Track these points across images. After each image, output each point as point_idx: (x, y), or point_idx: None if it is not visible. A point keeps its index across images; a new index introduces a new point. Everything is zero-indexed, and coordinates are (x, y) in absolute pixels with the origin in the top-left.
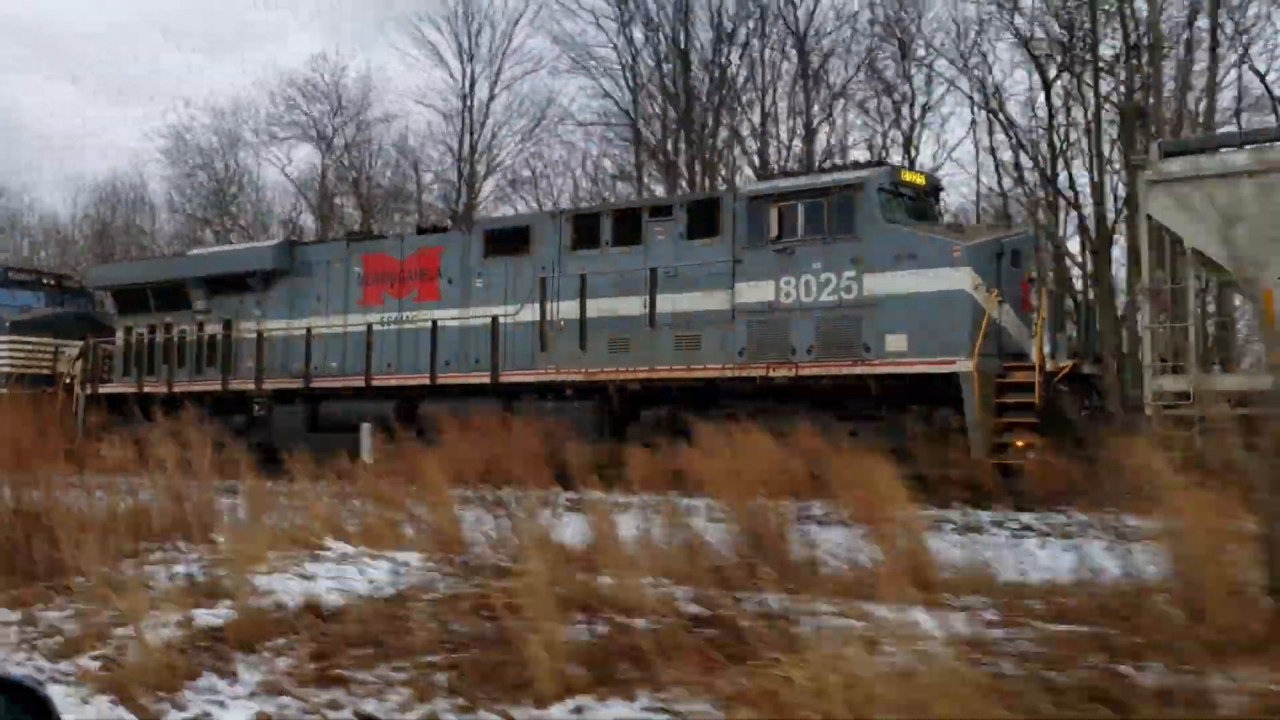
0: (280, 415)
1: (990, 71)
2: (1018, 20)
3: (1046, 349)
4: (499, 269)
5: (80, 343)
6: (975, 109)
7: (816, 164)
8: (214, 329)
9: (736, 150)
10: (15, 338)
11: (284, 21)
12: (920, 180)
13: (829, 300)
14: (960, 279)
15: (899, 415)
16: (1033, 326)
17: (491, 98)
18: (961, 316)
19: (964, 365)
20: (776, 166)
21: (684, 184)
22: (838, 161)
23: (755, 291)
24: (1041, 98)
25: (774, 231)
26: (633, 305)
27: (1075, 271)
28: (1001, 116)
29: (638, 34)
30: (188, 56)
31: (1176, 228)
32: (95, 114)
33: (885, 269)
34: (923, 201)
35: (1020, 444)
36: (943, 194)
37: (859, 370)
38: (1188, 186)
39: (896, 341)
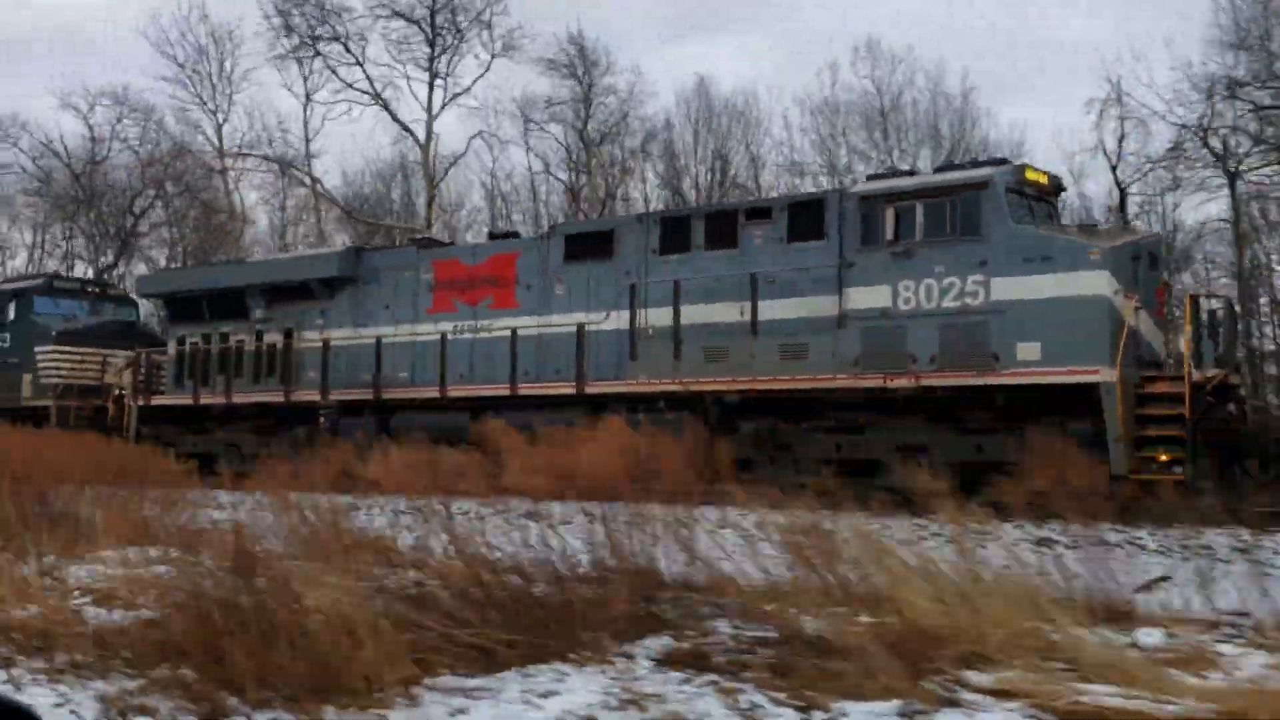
0: (348, 428)
1: None
2: None
3: (1193, 357)
4: (580, 275)
5: (127, 352)
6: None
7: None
8: (274, 338)
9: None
10: (62, 348)
11: None
12: (1043, 179)
13: (952, 305)
14: (1099, 283)
15: (1028, 428)
16: (1167, 333)
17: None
18: (1100, 323)
19: (1106, 375)
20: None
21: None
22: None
23: (869, 296)
24: None
25: (890, 233)
26: (729, 311)
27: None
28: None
29: None
30: None
31: None
32: None
33: (1014, 272)
34: (1046, 201)
35: (1164, 458)
36: (1064, 194)
37: (991, 381)
38: None
39: (1028, 350)
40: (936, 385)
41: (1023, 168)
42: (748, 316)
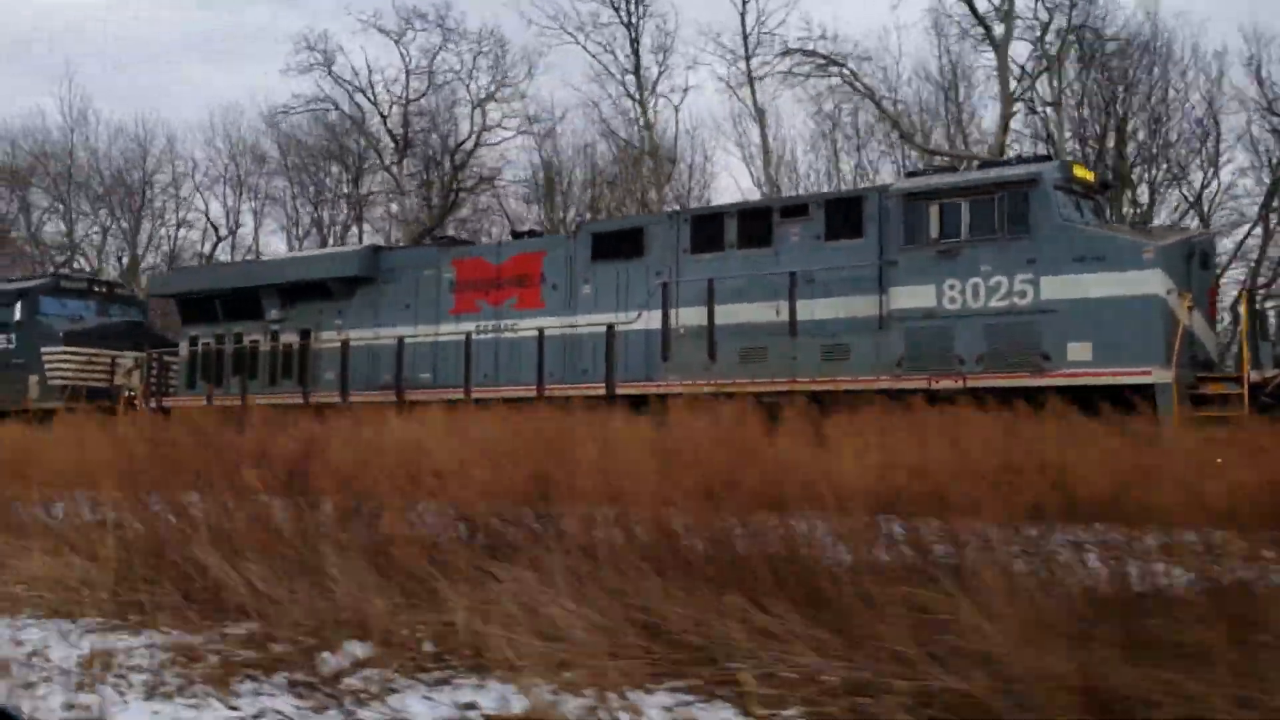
0: None
1: None
2: None
3: (1249, 357)
4: (609, 274)
5: (136, 353)
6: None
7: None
8: (290, 339)
9: None
10: (70, 348)
11: None
12: (1090, 176)
13: (1000, 305)
14: (1153, 282)
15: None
16: (1218, 333)
17: None
18: (1155, 323)
19: (1162, 376)
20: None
21: None
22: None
23: (912, 296)
24: None
25: (935, 231)
26: (764, 311)
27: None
28: None
29: None
30: None
31: None
32: None
33: (1065, 271)
34: (1092, 199)
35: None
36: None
37: (1042, 382)
38: None
39: (1080, 350)
40: (985, 386)
41: (1070, 164)
42: (784, 316)
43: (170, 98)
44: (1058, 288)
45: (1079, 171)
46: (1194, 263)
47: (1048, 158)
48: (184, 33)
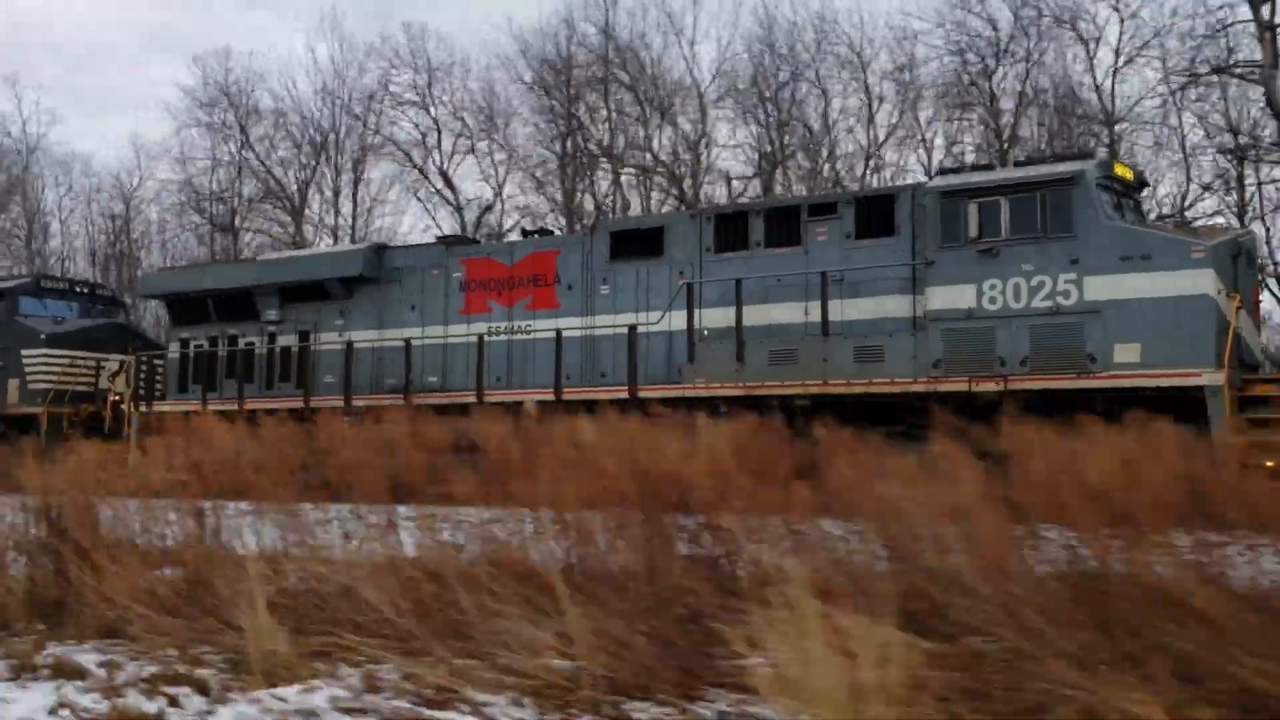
0: None
1: None
2: None
3: None
4: (628, 274)
5: (122, 356)
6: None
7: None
8: (287, 340)
9: None
10: (53, 351)
11: None
12: (1129, 175)
13: (1044, 305)
14: (1203, 282)
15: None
16: (1262, 333)
17: None
18: (1205, 323)
19: (1213, 377)
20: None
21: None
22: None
23: (950, 296)
24: None
25: (974, 230)
26: (792, 312)
27: None
28: None
29: None
30: None
31: None
32: None
33: (1110, 271)
34: (1131, 198)
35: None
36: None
37: (1089, 384)
38: None
39: (1127, 351)
40: (1029, 389)
41: (1111, 162)
42: (813, 317)
43: None
44: (1103, 288)
45: (1119, 169)
46: (1240, 262)
47: (1089, 155)
48: None
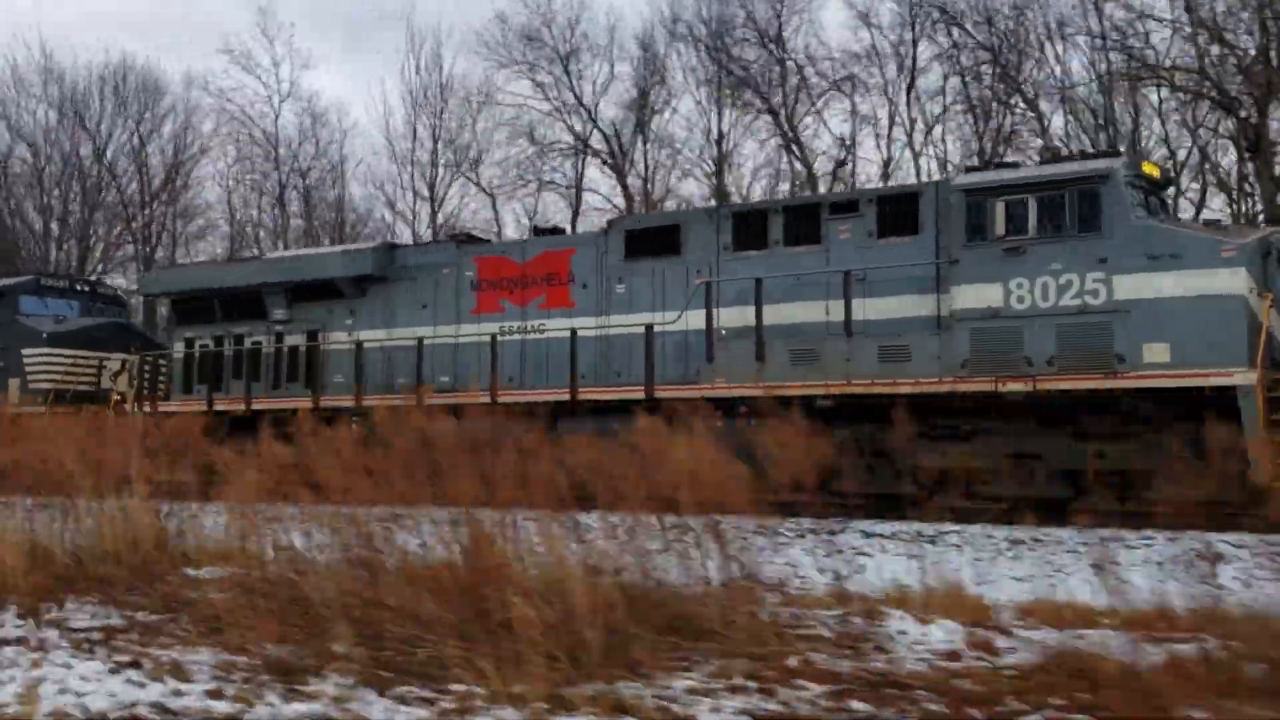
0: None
1: None
2: None
3: None
4: (644, 273)
5: (124, 355)
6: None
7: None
8: (295, 340)
9: None
10: (54, 350)
11: None
12: (1155, 172)
13: (1071, 304)
14: (1235, 281)
15: (1154, 434)
16: None
17: None
18: (1236, 323)
19: (1245, 377)
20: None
21: None
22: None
23: (977, 295)
24: None
25: (1000, 228)
26: (813, 311)
27: None
28: None
29: None
30: None
31: None
32: None
33: (1139, 270)
34: (1158, 196)
35: None
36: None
37: (1118, 384)
38: None
39: (1157, 351)
40: (1058, 389)
41: (1139, 160)
42: (834, 316)
43: None
44: (1132, 287)
45: (1146, 167)
46: (1271, 260)
47: (1117, 153)
48: None
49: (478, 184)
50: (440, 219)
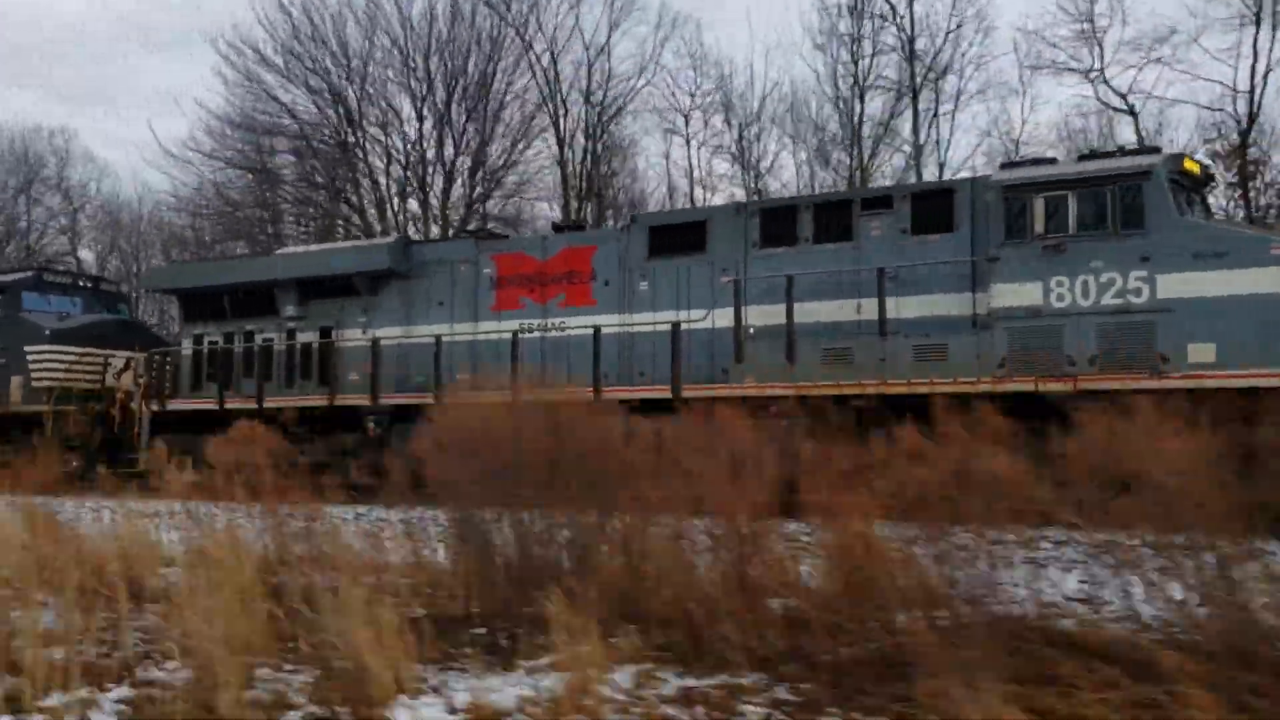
0: (399, 434)
1: None
2: None
3: None
4: (668, 270)
5: (129, 352)
6: None
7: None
8: (308, 337)
9: None
10: (58, 348)
11: None
12: (1197, 169)
13: (1113, 303)
14: None
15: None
16: None
17: None
18: None
19: None
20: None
21: None
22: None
23: (1016, 294)
24: None
25: (1040, 226)
26: (844, 309)
27: None
28: None
29: None
30: None
31: None
32: None
33: (1183, 268)
34: (1199, 193)
35: None
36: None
37: (1163, 384)
38: None
39: (1202, 351)
40: (1101, 389)
41: (1181, 156)
42: (867, 314)
43: None
44: (1176, 286)
45: (1187, 164)
46: None
47: (1157, 149)
48: None
49: None
50: None
